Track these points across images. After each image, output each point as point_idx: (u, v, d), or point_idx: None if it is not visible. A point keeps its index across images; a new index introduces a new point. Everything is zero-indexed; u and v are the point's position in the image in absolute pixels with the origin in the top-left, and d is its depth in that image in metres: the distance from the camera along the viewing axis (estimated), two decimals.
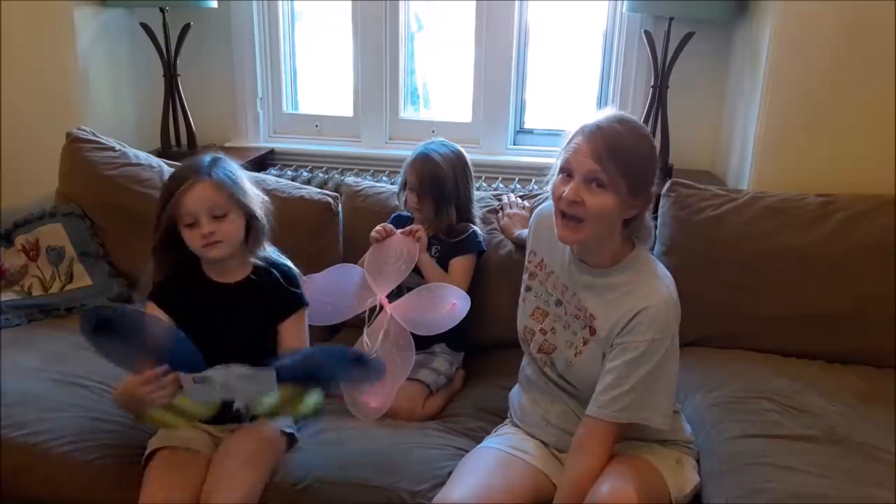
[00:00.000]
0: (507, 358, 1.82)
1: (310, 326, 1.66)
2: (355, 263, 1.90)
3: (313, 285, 1.76)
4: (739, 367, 1.86)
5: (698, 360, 1.87)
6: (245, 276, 1.60)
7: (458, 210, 1.95)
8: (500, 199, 2.19)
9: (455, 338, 1.89)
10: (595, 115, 1.38)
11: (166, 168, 2.26)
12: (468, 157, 1.98)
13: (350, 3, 2.69)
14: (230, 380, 1.39)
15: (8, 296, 2.11)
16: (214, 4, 2.61)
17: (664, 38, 2.31)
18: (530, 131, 2.75)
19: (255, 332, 1.56)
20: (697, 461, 1.56)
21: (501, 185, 2.52)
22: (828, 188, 2.05)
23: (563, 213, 1.37)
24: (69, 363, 1.80)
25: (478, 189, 2.17)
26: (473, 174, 2.00)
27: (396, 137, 2.79)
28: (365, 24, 2.68)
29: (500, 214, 2.14)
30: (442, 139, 2.00)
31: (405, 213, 2.00)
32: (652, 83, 2.37)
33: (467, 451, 1.57)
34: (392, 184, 2.38)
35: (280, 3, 2.76)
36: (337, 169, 2.69)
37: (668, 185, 2.08)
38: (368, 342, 1.74)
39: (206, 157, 1.55)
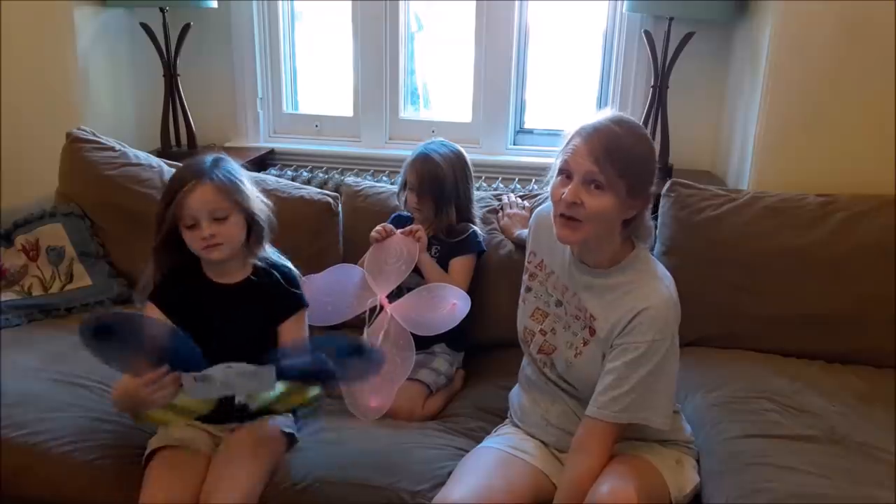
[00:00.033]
0: (507, 358, 1.82)
1: (310, 327, 1.66)
2: (355, 263, 1.90)
3: (313, 286, 1.75)
4: (739, 367, 1.86)
5: (698, 360, 1.87)
6: (245, 277, 1.60)
7: (458, 210, 1.95)
8: (500, 199, 2.19)
9: (455, 338, 1.89)
10: (593, 116, 1.38)
11: (166, 168, 2.26)
12: (468, 157, 1.98)
13: (350, 3, 2.69)
14: (230, 377, 1.40)
15: (8, 296, 2.11)
16: (214, 4, 2.61)
17: (664, 38, 2.31)
18: (530, 131, 2.75)
19: (255, 333, 1.56)
20: (697, 461, 1.56)
21: (501, 185, 2.52)
22: (828, 188, 2.05)
23: (563, 214, 1.37)
24: (69, 363, 1.80)
25: (478, 189, 2.17)
26: (473, 174, 2.00)
27: (396, 137, 2.79)
28: (365, 24, 2.68)
29: (500, 214, 2.14)
30: (442, 139, 2.00)
31: (405, 213, 2.00)
32: (652, 83, 2.37)
33: (467, 451, 1.57)
34: (392, 184, 2.38)
35: (280, 3, 2.76)
36: (337, 169, 2.69)
37: (668, 185, 2.08)
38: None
39: (208, 158, 1.55)
